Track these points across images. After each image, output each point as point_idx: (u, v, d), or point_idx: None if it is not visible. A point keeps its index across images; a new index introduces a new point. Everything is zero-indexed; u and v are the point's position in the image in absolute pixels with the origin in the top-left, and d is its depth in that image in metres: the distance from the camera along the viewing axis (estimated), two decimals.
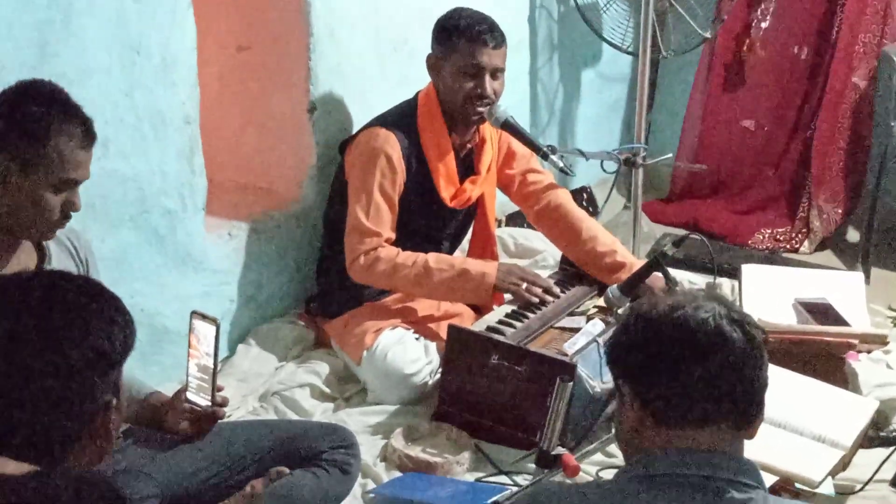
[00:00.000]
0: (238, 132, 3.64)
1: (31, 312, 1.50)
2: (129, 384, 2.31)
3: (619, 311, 3.20)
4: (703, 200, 5.04)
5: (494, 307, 3.30)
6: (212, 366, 2.35)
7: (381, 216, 3.23)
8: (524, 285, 3.24)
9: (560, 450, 2.44)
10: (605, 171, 3.71)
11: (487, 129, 3.43)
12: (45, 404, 1.47)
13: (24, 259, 2.27)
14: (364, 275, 3.24)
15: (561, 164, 3.38)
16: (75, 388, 1.49)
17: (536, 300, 3.23)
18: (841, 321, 3.26)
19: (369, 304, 3.36)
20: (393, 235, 3.26)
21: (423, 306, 3.38)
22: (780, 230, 4.77)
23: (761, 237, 4.75)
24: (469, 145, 3.42)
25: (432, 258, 3.25)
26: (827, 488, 2.67)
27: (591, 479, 2.77)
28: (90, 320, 1.52)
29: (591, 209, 4.62)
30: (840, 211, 4.73)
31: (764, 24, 4.81)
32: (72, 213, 2.24)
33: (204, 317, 2.34)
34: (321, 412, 3.16)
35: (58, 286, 1.56)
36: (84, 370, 1.49)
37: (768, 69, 4.87)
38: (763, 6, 4.77)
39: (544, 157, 3.40)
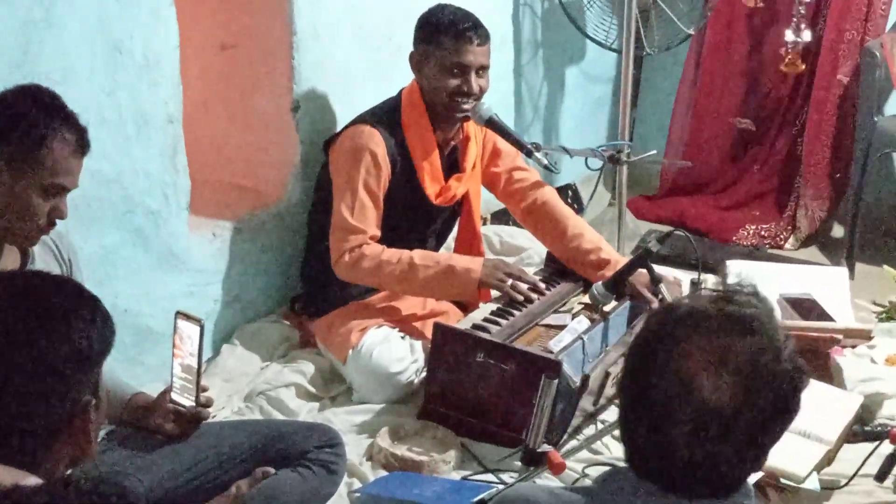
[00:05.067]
0: (221, 131, 3.63)
1: (9, 313, 1.50)
2: (113, 385, 2.31)
3: (604, 307, 3.21)
4: (688, 197, 5.05)
5: (480, 304, 3.30)
6: (196, 366, 2.34)
7: (365, 213, 3.22)
8: (510, 282, 3.24)
9: (546, 447, 2.44)
10: (589, 168, 3.72)
11: (472, 127, 3.43)
12: (23, 405, 1.46)
13: (6, 261, 2.26)
14: (349, 272, 3.23)
15: (545, 162, 3.38)
16: (54, 388, 1.48)
17: (521, 297, 3.23)
18: (825, 316, 3.28)
19: (354, 303, 3.35)
20: (378, 233, 3.25)
21: (409, 305, 3.38)
22: (764, 226, 4.79)
23: (746, 233, 4.77)
24: (453, 142, 3.42)
25: (417, 255, 3.24)
26: (812, 483, 2.68)
27: (576, 476, 2.78)
28: (68, 320, 1.51)
29: (575, 206, 4.63)
30: (825, 207, 4.75)
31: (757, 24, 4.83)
32: (57, 221, 2.24)
33: (188, 317, 2.33)
34: (307, 412, 3.15)
35: (36, 286, 1.56)
36: (63, 370, 1.49)
37: (756, 66, 4.89)
38: (750, 4, 4.78)
39: (528, 154, 3.39)
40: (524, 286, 3.24)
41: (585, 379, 2.81)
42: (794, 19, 4.40)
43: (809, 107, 4.71)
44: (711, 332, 1.48)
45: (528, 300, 3.24)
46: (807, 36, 4.43)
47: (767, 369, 1.47)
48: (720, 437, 1.46)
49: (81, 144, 2.21)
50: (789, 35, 4.45)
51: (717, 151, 5.04)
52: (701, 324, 1.49)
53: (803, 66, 4.52)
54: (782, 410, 1.50)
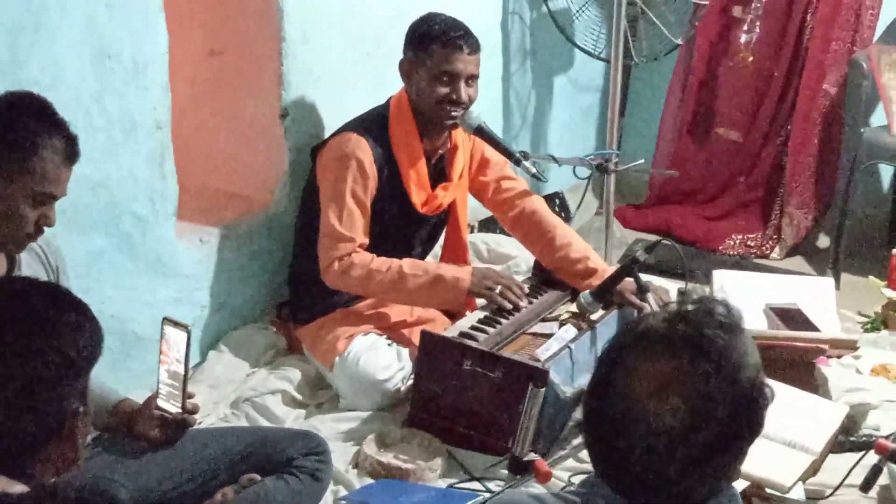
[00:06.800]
0: (210, 137, 3.63)
1: None
2: (99, 391, 2.31)
3: (592, 316, 3.21)
4: (675, 206, 5.06)
5: (467, 313, 3.30)
6: (183, 372, 2.34)
7: (353, 221, 3.22)
8: (498, 289, 3.24)
9: (532, 455, 2.44)
10: (577, 176, 3.72)
11: (460, 136, 3.43)
12: (11, 413, 1.46)
13: None
14: (338, 280, 3.23)
15: (534, 170, 3.38)
16: (42, 395, 1.48)
17: (510, 306, 3.23)
18: (811, 327, 3.28)
19: (341, 310, 3.35)
20: (366, 241, 3.25)
21: (396, 312, 3.37)
22: (750, 236, 4.80)
23: (732, 243, 4.78)
24: (441, 151, 3.42)
25: (406, 264, 3.24)
26: (797, 493, 2.68)
27: (563, 484, 2.78)
28: (57, 328, 1.51)
29: (563, 215, 4.63)
30: (810, 217, 4.77)
31: (745, 35, 4.85)
32: (45, 228, 2.23)
33: (175, 323, 2.33)
34: (293, 419, 3.15)
35: (24, 293, 1.55)
36: (51, 378, 1.48)
37: (743, 76, 4.90)
38: (739, 15, 4.79)
39: (517, 162, 3.39)
40: (512, 295, 3.25)
41: (580, 394, 2.82)
42: (749, 18, 4.51)
43: (793, 116, 4.72)
44: (660, 356, 1.48)
45: (516, 308, 3.24)
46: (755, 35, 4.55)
47: (718, 393, 1.46)
48: (670, 458, 1.46)
49: (71, 153, 2.21)
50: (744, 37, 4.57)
51: (704, 161, 5.05)
52: (652, 346, 1.49)
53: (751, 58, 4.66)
54: (739, 431, 1.50)
